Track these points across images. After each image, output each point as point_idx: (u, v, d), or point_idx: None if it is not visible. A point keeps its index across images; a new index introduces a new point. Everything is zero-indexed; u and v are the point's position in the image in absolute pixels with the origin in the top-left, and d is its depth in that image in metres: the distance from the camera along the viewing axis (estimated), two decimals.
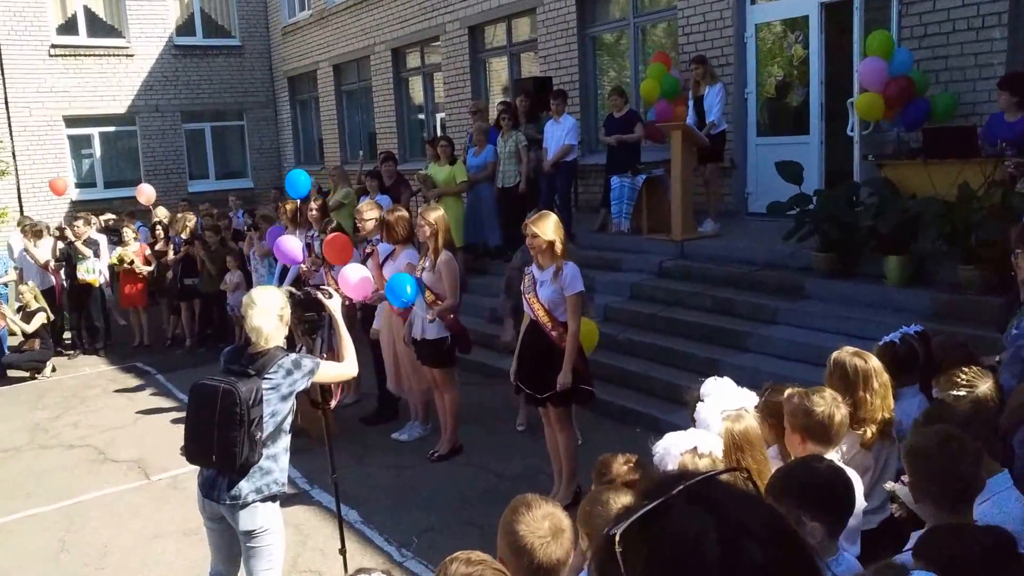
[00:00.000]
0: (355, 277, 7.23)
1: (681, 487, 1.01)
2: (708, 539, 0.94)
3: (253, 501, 4.06)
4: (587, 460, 6.67)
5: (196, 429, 4.08)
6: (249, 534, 4.13)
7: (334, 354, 4.68)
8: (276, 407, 4.07)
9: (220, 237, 11.83)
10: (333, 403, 4.85)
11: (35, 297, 11.70)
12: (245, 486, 4.04)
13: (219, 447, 3.95)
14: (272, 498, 4.16)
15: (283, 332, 4.21)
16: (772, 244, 8.78)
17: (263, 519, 4.12)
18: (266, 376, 4.04)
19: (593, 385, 6.08)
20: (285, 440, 4.21)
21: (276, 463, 4.15)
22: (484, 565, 2.35)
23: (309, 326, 5.07)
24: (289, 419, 4.19)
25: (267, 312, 4.12)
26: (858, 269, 7.92)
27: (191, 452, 4.14)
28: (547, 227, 5.67)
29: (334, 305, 4.71)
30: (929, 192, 7.45)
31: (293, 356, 4.16)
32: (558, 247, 5.70)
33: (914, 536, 2.83)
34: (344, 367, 4.59)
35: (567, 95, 11.48)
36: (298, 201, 9.49)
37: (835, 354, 3.68)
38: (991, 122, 7.64)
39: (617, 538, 1.00)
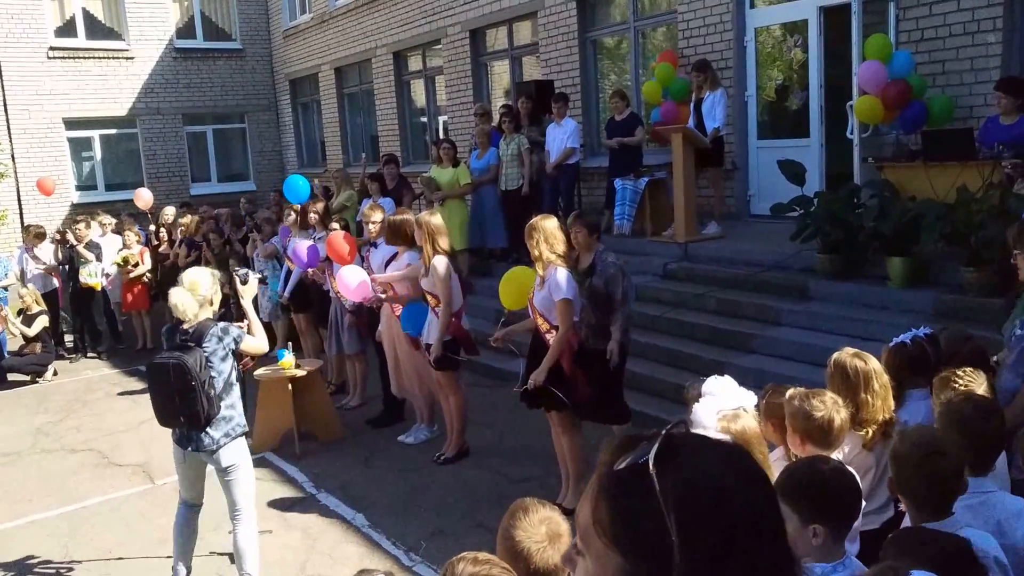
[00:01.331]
0: (353, 281, 7.28)
1: (663, 435, 1.05)
2: (729, 478, 1.00)
3: (225, 443, 4.98)
4: (591, 462, 6.72)
5: (159, 400, 4.95)
6: (226, 470, 5.05)
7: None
8: (219, 367, 4.95)
9: (225, 239, 11.84)
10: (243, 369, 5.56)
11: (36, 300, 11.72)
12: (216, 434, 4.95)
13: (183, 411, 4.85)
14: (239, 437, 5.08)
15: (209, 309, 5.06)
16: (775, 246, 8.83)
17: (236, 456, 5.06)
18: (204, 345, 4.89)
19: (570, 395, 5.92)
20: (236, 391, 5.10)
21: (235, 410, 5.05)
22: (491, 564, 2.36)
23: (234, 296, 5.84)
24: (234, 375, 5.06)
25: (185, 292, 4.95)
26: (861, 270, 7.97)
27: (162, 419, 5.03)
28: (536, 232, 5.78)
29: (245, 290, 5.50)
30: (928, 194, 7.51)
31: (222, 324, 5.03)
32: (545, 252, 5.77)
33: None
34: (257, 341, 5.30)
35: (568, 98, 11.52)
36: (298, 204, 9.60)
37: (835, 356, 3.68)
38: (987, 125, 7.70)
39: (651, 461, 1.02)
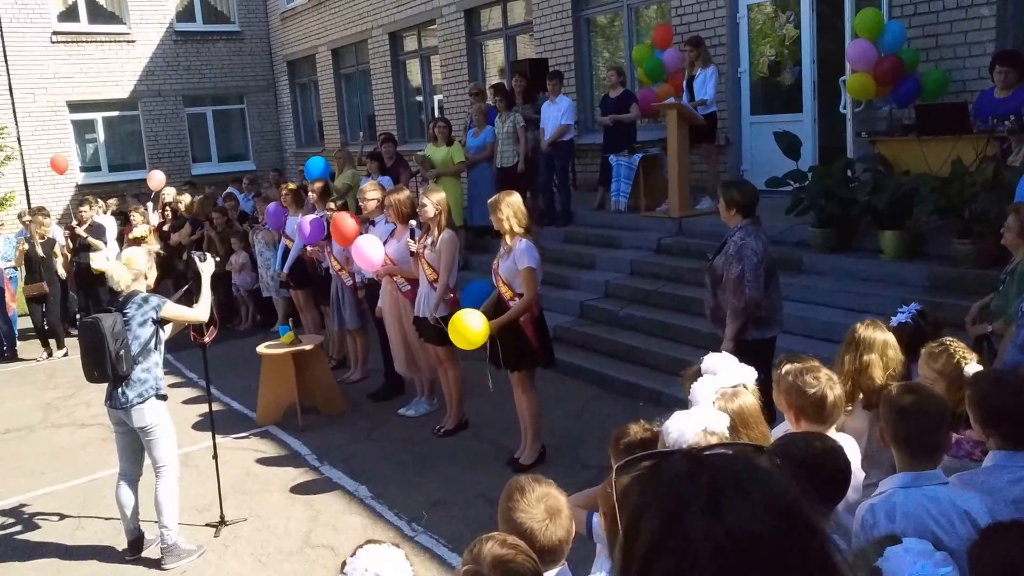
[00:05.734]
0: (374, 254, 7.41)
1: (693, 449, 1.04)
2: (698, 481, 0.94)
3: (137, 404, 5.38)
4: (590, 433, 6.87)
5: (81, 354, 5.41)
6: (142, 430, 5.47)
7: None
8: (136, 332, 5.36)
9: (226, 219, 11.96)
10: (207, 339, 6.04)
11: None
12: (129, 393, 5.36)
13: (95, 365, 5.31)
14: (156, 399, 5.46)
15: (143, 282, 5.53)
16: (769, 220, 8.78)
17: (150, 417, 5.44)
18: (125, 311, 5.36)
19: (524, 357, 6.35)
20: (155, 357, 5.49)
21: (150, 374, 5.44)
22: (517, 549, 2.39)
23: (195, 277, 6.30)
24: (153, 342, 5.45)
25: (121, 265, 5.50)
26: (855, 244, 8.06)
27: (86, 374, 5.44)
28: (504, 206, 6.17)
29: (203, 268, 5.99)
30: (922, 168, 7.56)
31: (143, 295, 5.46)
32: (513, 225, 6.17)
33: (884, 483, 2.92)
34: (191, 312, 5.78)
35: (563, 76, 11.59)
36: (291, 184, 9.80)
37: (854, 326, 3.83)
38: (981, 99, 7.73)
39: (614, 474, 1.07)
